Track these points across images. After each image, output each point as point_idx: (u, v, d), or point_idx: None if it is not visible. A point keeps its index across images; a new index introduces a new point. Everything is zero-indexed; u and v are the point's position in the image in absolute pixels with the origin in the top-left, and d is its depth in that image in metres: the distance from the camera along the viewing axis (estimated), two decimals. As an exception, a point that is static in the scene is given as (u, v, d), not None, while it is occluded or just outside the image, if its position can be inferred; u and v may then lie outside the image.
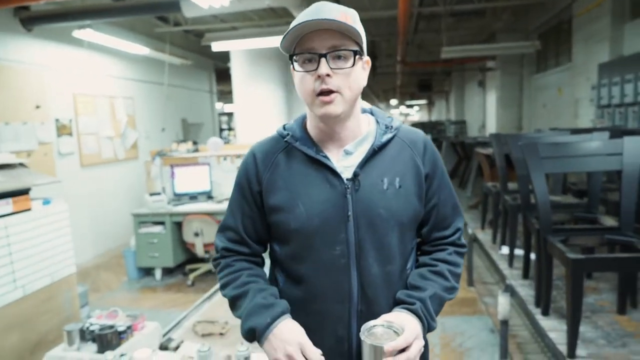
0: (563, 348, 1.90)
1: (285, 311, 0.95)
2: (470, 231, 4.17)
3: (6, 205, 2.55)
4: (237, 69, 5.78)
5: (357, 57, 0.92)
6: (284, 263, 1.02)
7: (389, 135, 1.00)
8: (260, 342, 0.92)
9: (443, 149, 8.35)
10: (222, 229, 1.07)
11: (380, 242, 0.96)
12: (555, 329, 2.06)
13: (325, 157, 0.97)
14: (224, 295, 1.02)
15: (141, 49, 5.72)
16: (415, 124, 20.34)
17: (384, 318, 0.90)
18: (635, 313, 2.22)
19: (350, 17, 0.91)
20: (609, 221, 2.36)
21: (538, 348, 2.23)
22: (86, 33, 4.67)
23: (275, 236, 1.03)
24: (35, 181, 2.81)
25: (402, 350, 0.85)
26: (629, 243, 2.06)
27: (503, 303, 2.74)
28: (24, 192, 2.70)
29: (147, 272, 4.94)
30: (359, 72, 0.94)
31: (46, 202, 2.91)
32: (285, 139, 1.01)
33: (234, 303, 1.00)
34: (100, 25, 5.25)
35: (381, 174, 0.97)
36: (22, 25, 4.57)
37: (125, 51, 5.88)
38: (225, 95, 11.31)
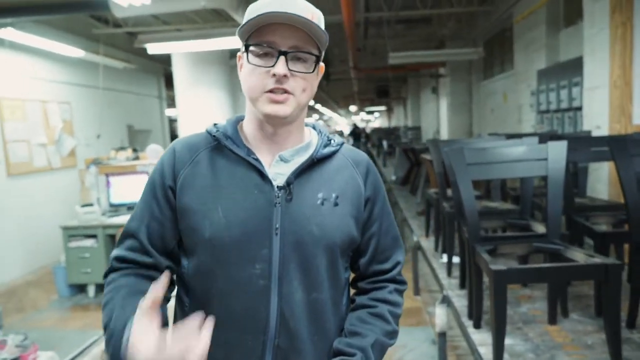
0: (491, 363, 1.83)
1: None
2: (415, 238, 4.14)
3: None
4: (180, 73, 5.55)
5: (317, 62, 0.83)
6: (192, 281, 0.86)
7: (331, 149, 0.91)
8: None
9: (396, 155, 8.38)
10: (122, 237, 0.88)
11: (308, 264, 0.84)
12: (485, 342, 1.99)
13: (257, 160, 0.84)
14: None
15: (75, 51, 5.39)
16: (375, 130, 20.57)
17: None
18: (566, 322, 2.19)
19: (317, 18, 0.82)
20: (540, 228, 2.33)
21: (474, 361, 2.17)
22: (6, 32, 4.32)
23: (184, 247, 0.86)
24: None
25: None
26: (556, 251, 2.02)
27: (440, 314, 2.66)
28: None
29: (81, 288, 4.62)
30: (315, 79, 0.86)
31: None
32: (214, 135, 0.87)
33: (105, 332, 0.78)
34: (28, 25, 4.89)
35: (317, 187, 0.87)
36: None
37: (60, 53, 5.53)
38: (177, 100, 10.94)
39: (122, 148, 5.99)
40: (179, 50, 5.08)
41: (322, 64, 0.88)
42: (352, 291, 1.00)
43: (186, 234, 0.85)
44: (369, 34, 7.78)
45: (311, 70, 0.83)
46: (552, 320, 2.16)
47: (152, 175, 0.89)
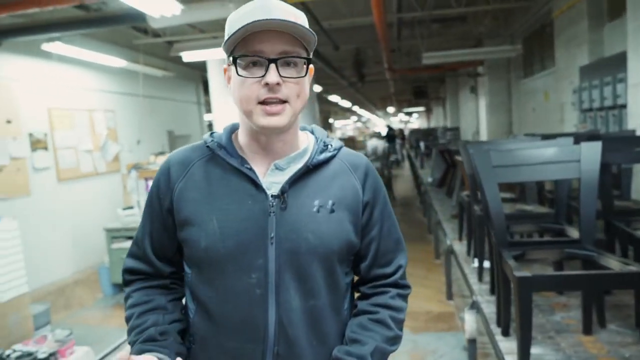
0: (519, 372, 1.76)
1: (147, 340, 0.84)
2: (448, 242, 4.04)
3: (-59, 226, 2.44)
4: (214, 79, 5.70)
5: (307, 65, 0.82)
6: (195, 289, 0.89)
7: (327, 154, 0.90)
8: None
9: (433, 156, 8.22)
10: (131, 245, 0.96)
11: (304, 272, 0.84)
12: (513, 351, 1.91)
13: (251, 169, 0.85)
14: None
15: (117, 61, 5.66)
16: (413, 131, 20.27)
17: None
18: (602, 333, 2.07)
19: (301, 19, 0.82)
20: (575, 233, 2.22)
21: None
22: (55, 46, 4.60)
23: (186, 256, 0.90)
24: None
25: None
26: (589, 258, 1.93)
27: (469, 321, 2.60)
28: (-36, 211, 2.59)
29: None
30: (307, 82, 0.86)
31: (-7, 220, 2.80)
32: (208, 145, 0.89)
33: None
34: (75, 38, 5.18)
35: (313, 195, 0.86)
36: (-10, 39, 4.51)
37: (104, 64, 5.82)
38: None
39: (162, 153, 6.23)
40: (213, 58, 5.23)
41: (311, 66, 0.86)
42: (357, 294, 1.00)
43: (185, 245, 0.88)
44: (403, 34, 7.69)
45: (303, 74, 0.82)
46: (587, 330, 2.05)
47: (151, 189, 0.93)
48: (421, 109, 26.03)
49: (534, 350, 1.93)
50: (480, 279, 2.83)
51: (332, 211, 0.86)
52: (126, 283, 0.95)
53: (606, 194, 2.39)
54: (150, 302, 0.90)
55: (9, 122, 4.73)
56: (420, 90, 16.12)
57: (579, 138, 2.47)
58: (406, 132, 22.19)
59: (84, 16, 4.43)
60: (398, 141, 17.30)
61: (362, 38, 7.59)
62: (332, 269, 0.87)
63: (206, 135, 0.92)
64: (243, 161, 0.86)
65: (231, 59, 0.82)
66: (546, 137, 3.05)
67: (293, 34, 0.80)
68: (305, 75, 0.83)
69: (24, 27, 4.46)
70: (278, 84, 0.79)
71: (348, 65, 9.28)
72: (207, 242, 0.84)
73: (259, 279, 0.83)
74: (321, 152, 0.90)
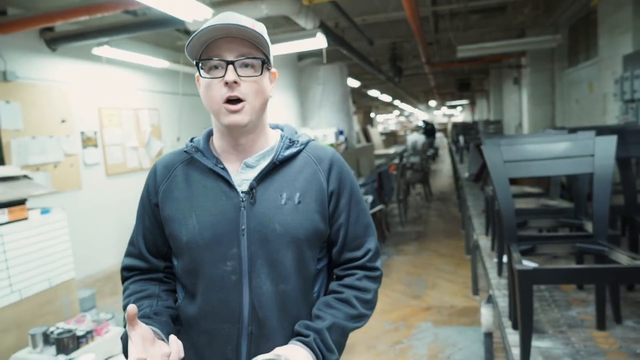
0: (523, 364, 1.78)
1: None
2: (475, 237, 4.01)
3: (1, 215, 2.74)
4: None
5: (264, 66, 0.92)
6: (181, 278, 1.01)
7: (292, 150, 0.98)
8: None
9: (470, 151, 8.05)
10: (128, 243, 1.09)
11: (274, 259, 0.93)
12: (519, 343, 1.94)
13: (224, 169, 0.96)
14: None
15: (160, 62, 5.98)
16: (454, 125, 19.78)
17: (275, 351, 0.86)
18: (617, 329, 2.04)
19: (258, 27, 0.92)
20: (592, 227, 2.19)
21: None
22: (104, 50, 4.95)
23: (173, 249, 1.02)
24: (33, 192, 3.00)
25: None
26: (600, 252, 1.91)
27: (485, 314, 2.63)
28: (21, 202, 2.90)
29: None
30: (267, 82, 0.95)
31: (45, 211, 3.10)
32: (186, 150, 1.02)
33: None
34: (122, 42, 5.54)
35: (280, 188, 0.95)
36: (47, 45, 4.92)
37: (148, 65, 6.17)
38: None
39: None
40: (248, 57, 5.41)
41: (274, 70, 0.96)
42: None
43: (170, 240, 1.00)
44: (441, 27, 7.56)
45: (259, 73, 0.91)
46: (601, 325, 2.03)
47: (142, 191, 1.06)
48: (465, 102, 25.32)
49: (542, 343, 1.95)
50: (499, 273, 2.83)
51: (299, 202, 0.95)
52: (124, 279, 1.07)
53: (629, 189, 2.33)
54: (145, 291, 1.02)
55: (63, 121, 5.15)
56: (463, 83, 15.71)
57: (602, 132, 2.41)
58: (449, 126, 21.67)
59: (130, 21, 4.74)
60: (437, 135, 16.94)
61: (398, 32, 7.55)
62: (301, 256, 0.95)
63: (188, 141, 1.04)
64: (217, 162, 0.97)
65: (195, 64, 0.94)
66: (573, 130, 2.97)
67: (249, 40, 0.90)
68: (261, 74, 0.92)
69: (76, 33, 4.83)
70: (235, 82, 0.89)
71: (385, 59, 9.24)
72: (188, 236, 0.95)
73: (233, 266, 0.93)
74: (287, 149, 0.98)
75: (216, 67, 0.91)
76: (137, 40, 6.11)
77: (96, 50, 5.06)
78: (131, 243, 1.07)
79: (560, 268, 1.75)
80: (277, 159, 0.96)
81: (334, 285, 1.00)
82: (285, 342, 0.92)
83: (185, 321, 0.99)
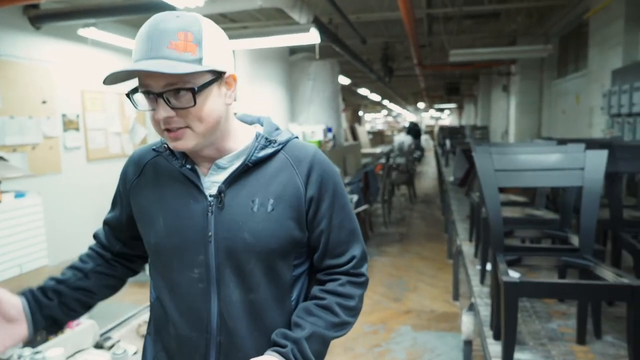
0: (503, 376, 1.77)
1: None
2: (458, 242, 4.02)
3: (-29, 197, 2.62)
4: (241, 69, 5.80)
5: (199, 92, 0.79)
6: (153, 279, 0.97)
7: (268, 151, 0.89)
8: None
9: (456, 155, 8.11)
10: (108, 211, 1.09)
11: (243, 269, 0.87)
12: (500, 355, 1.93)
13: (192, 170, 0.88)
14: None
15: (148, 48, 5.83)
16: (441, 128, 19.95)
17: None
18: (597, 344, 2.05)
19: (192, 36, 0.78)
20: (577, 242, 2.19)
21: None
22: (90, 31, 4.80)
23: (145, 246, 0.98)
24: (7, 174, 2.88)
25: None
26: (585, 267, 1.90)
27: (466, 322, 2.61)
28: (-8, 185, 2.77)
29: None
30: (212, 101, 0.82)
31: (19, 195, 2.98)
32: (154, 148, 0.94)
33: None
34: (109, 24, 5.38)
35: (252, 193, 0.87)
36: (30, 23, 4.75)
37: (135, 49, 6.01)
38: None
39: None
40: (239, 48, 5.31)
41: (231, 73, 0.85)
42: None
43: (142, 238, 0.96)
44: (434, 30, 7.56)
45: (192, 104, 0.79)
46: (581, 340, 2.03)
47: (120, 176, 1.02)
48: (453, 105, 25.54)
49: (523, 355, 1.94)
50: (482, 281, 2.82)
51: (272, 209, 0.87)
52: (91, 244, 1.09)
53: (615, 204, 2.34)
54: (83, 263, 1.04)
55: (44, 102, 4.98)
56: (453, 87, 15.81)
57: (590, 145, 2.42)
58: (436, 129, 21.84)
59: (119, 3, 4.59)
60: (423, 137, 17.06)
61: (391, 33, 7.52)
62: (273, 266, 0.89)
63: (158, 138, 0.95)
64: (187, 161, 0.90)
65: (126, 95, 0.84)
66: (562, 142, 2.98)
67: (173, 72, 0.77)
68: (195, 104, 0.79)
69: (62, 12, 4.66)
70: (170, 116, 0.80)
71: (376, 59, 9.21)
72: (156, 238, 0.90)
73: (201, 274, 0.87)
74: (262, 149, 0.89)
75: (148, 96, 0.81)
76: (125, 23, 5.94)
77: (82, 32, 4.89)
78: (105, 218, 1.08)
79: (548, 282, 1.75)
80: (249, 160, 0.88)
81: (315, 290, 0.95)
82: (257, 352, 0.87)
83: (156, 322, 0.95)
